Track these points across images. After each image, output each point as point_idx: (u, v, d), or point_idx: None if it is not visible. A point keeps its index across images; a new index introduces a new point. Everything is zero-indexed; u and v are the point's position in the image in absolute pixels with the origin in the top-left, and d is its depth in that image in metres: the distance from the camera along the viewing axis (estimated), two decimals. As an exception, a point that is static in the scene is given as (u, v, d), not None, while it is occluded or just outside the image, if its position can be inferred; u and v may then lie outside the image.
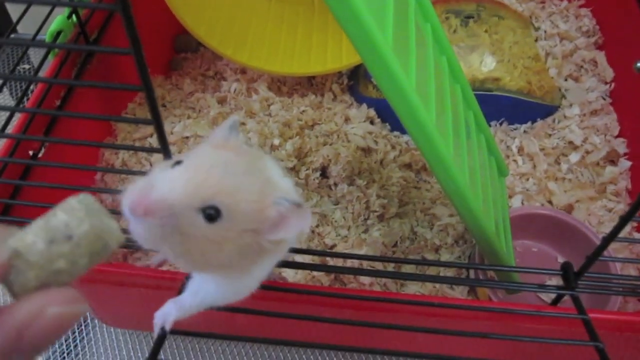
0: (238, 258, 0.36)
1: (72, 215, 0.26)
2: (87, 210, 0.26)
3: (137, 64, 0.38)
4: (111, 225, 0.27)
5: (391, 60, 0.41)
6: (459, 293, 0.75)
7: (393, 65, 0.42)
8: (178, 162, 0.34)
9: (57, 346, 0.76)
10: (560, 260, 0.79)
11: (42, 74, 0.76)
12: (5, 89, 0.92)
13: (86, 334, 0.77)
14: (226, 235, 0.34)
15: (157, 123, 0.41)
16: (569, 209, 0.83)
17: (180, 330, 0.46)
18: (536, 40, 1.01)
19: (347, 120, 0.93)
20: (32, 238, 0.24)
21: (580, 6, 1.06)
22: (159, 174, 0.33)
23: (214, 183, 0.33)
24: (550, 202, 0.84)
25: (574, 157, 0.88)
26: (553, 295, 0.56)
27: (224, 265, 0.36)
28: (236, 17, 0.95)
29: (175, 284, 0.50)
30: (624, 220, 0.44)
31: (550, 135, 0.92)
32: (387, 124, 0.94)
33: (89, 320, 0.78)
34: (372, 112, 0.94)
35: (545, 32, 1.03)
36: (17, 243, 0.24)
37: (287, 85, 1.00)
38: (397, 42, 0.46)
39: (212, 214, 0.32)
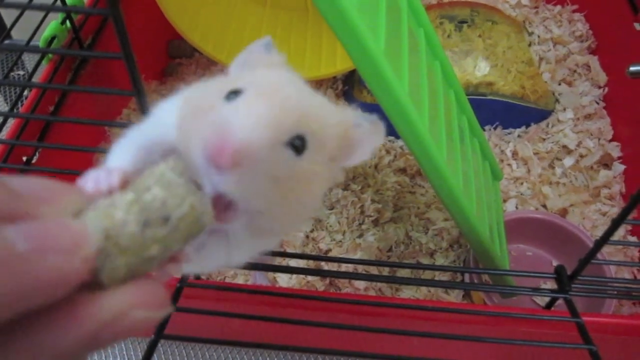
0: (322, 196, 0.31)
1: (170, 192, 0.21)
2: (186, 183, 0.22)
3: (128, 69, 0.38)
4: (207, 202, 0.22)
5: (383, 66, 0.41)
6: (453, 297, 0.75)
7: (385, 71, 0.42)
8: (234, 92, 0.27)
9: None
10: (555, 264, 0.79)
11: (36, 79, 0.76)
12: (-1, 95, 0.92)
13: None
14: (314, 168, 0.28)
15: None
16: (564, 212, 0.84)
17: (173, 335, 0.46)
18: (530, 45, 1.02)
19: (341, 125, 0.93)
20: (122, 215, 0.20)
21: (574, 11, 1.07)
22: (224, 109, 0.25)
23: (294, 108, 0.27)
24: (544, 206, 0.84)
25: (568, 161, 0.89)
26: (548, 299, 0.56)
27: (312, 209, 0.30)
28: (230, 22, 0.96)
29: (167, 289, 0.50)
30: (616, 224, 0.45)
31: (544, 139, 0.92)
32: (381, 129, 0.94)
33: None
34: (366, 117, 0.94)
35: (538, 36, 1.04)
36: (105, 221, 0.20)
37: (281, 91, 1.00)
38: (390, 48, 0.46)
39: (299, 145, 0.26)
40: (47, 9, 0.44)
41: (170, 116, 0.28)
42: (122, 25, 0.35)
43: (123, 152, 0.31)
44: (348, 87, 0.99)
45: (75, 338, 0.18)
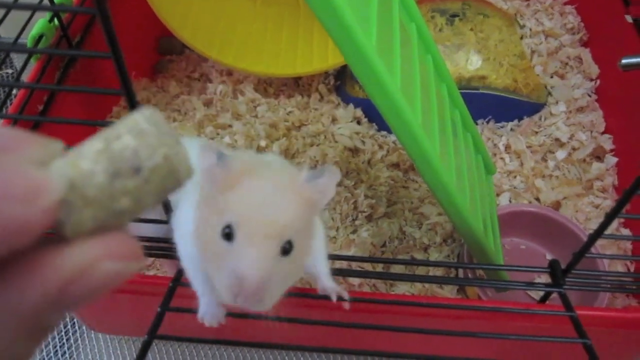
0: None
1: (141, 141, 0.19)
2: (159, 133, 0.20)
3: (116, 68, 0.38)
4: (183, 154, 0.21)
5: (375, 62, 0.41)
6: (448, 292, 0.75)
7: (377, 66, 0.41)
8: (228, 228, 0.35)
9: (41, 350, 0.75)
10: (549, 257, 0.79)
11: (25, 77, 0.75)
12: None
13: (74, 341, 0.76)
14: (298, 259, 0.37)
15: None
16: (557, 205, 0.84)
17: (166, 335, 0.45)
18: (521, 38, 1.02)
19: (334, 120, 0.93)
20: (89, 165, 0.19)
21: (565, 3, 1.07)
22: (230, 257, 0.35)
23: (279, 229, 0.35)
24: (537, 199, 0.84)
25: (561, 154, 0.89)
26: (542, 293, 0.56)
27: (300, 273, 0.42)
28: (221, 18, 0.95)
29: (160, 289, 0.50)
30: (609, 218, 0.45)
31: (536, 132, 0.92)
32: (374, 124, 0.93)
33: (76, 327, 0.77)
34: (359, 112, 0.93)
35: (530, 29, 1.03)
36: (70, 170, 0.19)
37: (273, 87, 1.00)
38: (381, 43, 0.45)
39: (287, 249, 0.36)
40: (34, 8, 0.43)
41: (188, 224, 0.41)
42: (109, 23, 0.34)
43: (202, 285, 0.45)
44: (340, 82, 0.99)
45: (39, 295, 0.17)
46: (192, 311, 0.49)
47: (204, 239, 0.38)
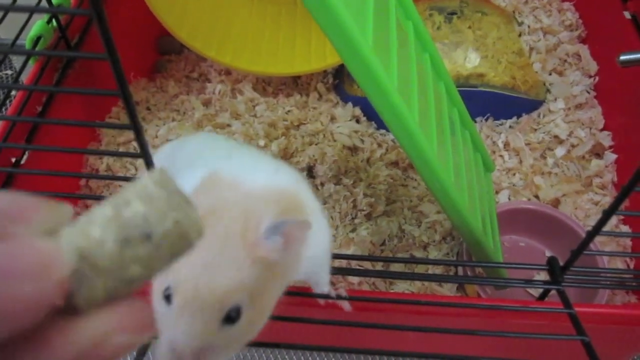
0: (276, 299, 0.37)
1: (151, 206, 0.19)
2: (169, 197, 0.20)
3: (113, 70, 0.38)
4: (194, 216, 0.20)
5: (372, 61, 0.41)
6: (447, 290, 0.75)
7: (374, 66, 0.41)
8: (167, 291, 0.33)
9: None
10: (549, 254, 0.79)
11: (24, 78, 0.76)
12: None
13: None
14: (255, 317, 0.34)
15: (136, 129, 0.40)
16: (556, 203, 0.84)
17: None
18: (520, 35, 1.02)
19: (332, 119, 0.93)
20: (99, 233, 0.19)
21: (563, 0, 1.07)
22: (168, 323, 0.32)
23: (218, 298, 0.32)
24: (537, 196, 0.84)
25: (560, 151, 0.89)
26: (541, 290, 0.56)
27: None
28: (219, 18, 0.95)
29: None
30: (607, 214, 0.45)
31: (535, 129, 0.92)
32: (373, 122, 0.93)
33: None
34: (357, 111, 0.93)
35: (528, 26, 1.03)
36: (81, 240, 0.18)
37: (272, 86, 1.00)
38: (378, 42, 0.45)
39: (234, 316, 0.33)
40: (31, 10, 0.43)
41: None
42: (105, 25, 0.34)
43: None
44: (339, 80, 0.99)
45: None
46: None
47: (154, 295, 0.34)
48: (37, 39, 0.74)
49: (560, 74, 0.99)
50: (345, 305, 0.52)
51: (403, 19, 0.61)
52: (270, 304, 0.36)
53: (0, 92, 1.04)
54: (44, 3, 0.73)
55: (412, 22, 0.61)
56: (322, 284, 0.49)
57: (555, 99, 0.95)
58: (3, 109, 0.76)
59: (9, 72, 1.10)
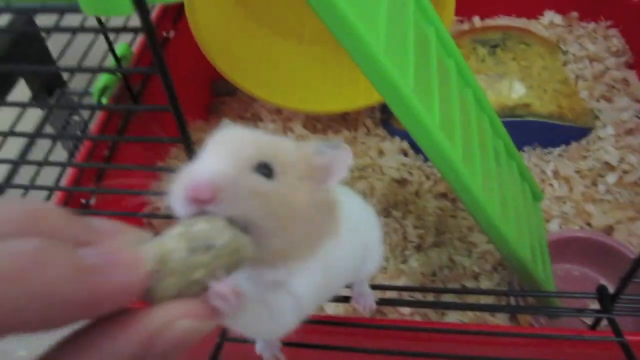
0: (315, 215, 0.33)
1: (212, 225, 0.25)
2: (227, 222, 0.26)
3: (176, 118, 0.42)
4: (245, 239, 0.26)
5: (413, 103, 0.44)
6: (500, 320, 0.75)
7: (415, 107, 0.44)
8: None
9: None
10: (604, 282, 0.78)
11: (93, 123, 0.82)
12: (58, 142, 0.98)
13: None
14: (290, 188, 0.31)
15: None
16: (609, 230, 0.83)
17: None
18: (565, 64, 1.02)
19: (380, 153, 0.96)
20: (173, 245, 0.24)
21: (608, 27, 1.07)
22: (192, 166, 0.30)
23: (249, 143, 0.31)
24: (589, 224, 0.84)
25: (611, 178, 0.88)
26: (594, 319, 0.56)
27: (309, 226, 0.33)
28: (269, 60, 1.00)
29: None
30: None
31: (585, 157, 0.92)
32: (420, 155, 0.95)
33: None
34: (405, 144, 0.96)
35: (574, 55, 1.04)
36: (159, 249, 0.24)
37: (321, 122, 1.04)
38: (419, 84, 0.48)
39: (266, 172, 0.30)
40: (96, 71, 0.48)
41: None
42: (169, 82, 0.38)
43: None
44: (386, 115, 1.02)
45: (130, 344, 0.22)
46: (250, 342, 0.52)
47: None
48: (104, 89, 0.80)
49: (609, 100, 0.98)
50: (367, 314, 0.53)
51: (444, 57, 0.63)
52: (302, 206, 0.32)
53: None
54: (109, 54, 0.80)
55: (453, 59, 0.64)
56: (366, 277, 0.49)
57: (605, 126, 0.95)
58: (72, 157, 0.83)
59: (78, 118, 1.18)
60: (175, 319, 0.23)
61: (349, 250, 0.39)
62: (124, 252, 0.23)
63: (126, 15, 0.30)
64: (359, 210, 0.45)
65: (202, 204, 0.27)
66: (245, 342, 0.50)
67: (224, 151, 0.30)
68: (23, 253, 0.19)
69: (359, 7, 0.43)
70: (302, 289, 0.35)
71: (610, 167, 0.90)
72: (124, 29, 0.54)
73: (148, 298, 0.23)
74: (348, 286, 0.54)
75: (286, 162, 0.32)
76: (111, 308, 0.22)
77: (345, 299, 0.54)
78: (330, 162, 0.34)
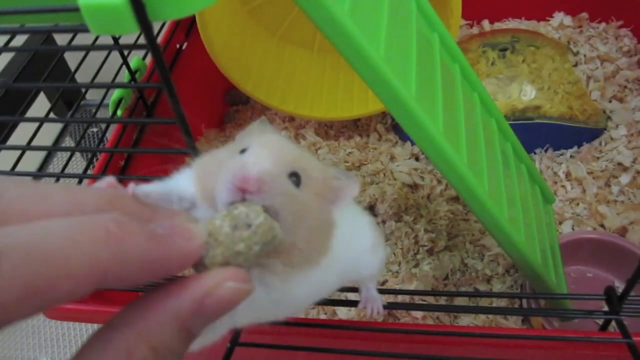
0: (320, 228, 0.37)
1: (250, 209, 0.30)
2: (262, 207, 0.31)
3: (182, 131, 0.43)
4: (276, 222, 0.31)
5: (415, 111, 0.45)
6: (512, 323, 0.75)
7: (417, 115, 0.45)
8: (243, 150, 0.35)
9: None
10: (618, 284, 0.78)
11: (110, 131, 0.85)
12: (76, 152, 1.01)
13: None
14: (309, 200, 0.35)
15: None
16: (623, 231, 0.83)
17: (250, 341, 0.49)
18: (576, 65, 1.02)
19: (392, 158, 0.96)
20: (219, 222, 0.29)
21: (619, 27, 1.06)
22: (240, 158, 0.33)
23: (288, 153, 0.35)
24: (602, 225, 0.84)
25: (625, 179, 0.88)
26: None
27: (317, 232, 0.36)
28: (280, 69, 1.01)
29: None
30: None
31: (597, 158, 0.92)
32: (432, 159, 0.96)
33: None
34: (416, 149, 0.96)
35: (584, 56, 1.04)
36: (209, 226, 0.29)
37: (333, 129, 1.05)
38: (421, 91, 0.49)
39: (295, 180, 0.34)
40: (109, 86, 0.50)
41: (186, 178, 0.37)
42: (175, 97, 0.39)
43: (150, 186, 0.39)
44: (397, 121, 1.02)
45: (189, 300, 0.26)
46: (262, 346, 0.53)
47: (212, 161, 0.36)
48: (119, 101, 0.83)
49: (621, 100, 0.98)
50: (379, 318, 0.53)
51: (449, 62, 0.64)
52: (314, 218, 0.35)
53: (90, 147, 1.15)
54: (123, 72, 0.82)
55: (458, 64, 0.64)
56: (371, 282, 0.51)
57: (617, 126, 0.94)
58: (90, 168, 0.85)
59: (95, 129, 1.21)
60: (224, 280, 0.27)
61: (333, 266, 0.40)
62: (184, 226, 0.28)
63: (133, 33, 0.32)
64: (348, 225, 0.45)
65: (246, 194, 0.32)
66: (256, 347, 0.51)
67: (267, 154, 0.34)
68: (110, 222, 0.23)
69: (359, 17, 0.44)
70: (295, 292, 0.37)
71: (623, 168, 0.89)
72: (134, 46, 0.56)
73: (200, 265, 0.28)
74: (357, 291, 0.55)
75: (311, 177, 0.36)
76: (175, 271, 0.26)
77: (354, 304, 0.55)
78: (341, 188, 0.38)
